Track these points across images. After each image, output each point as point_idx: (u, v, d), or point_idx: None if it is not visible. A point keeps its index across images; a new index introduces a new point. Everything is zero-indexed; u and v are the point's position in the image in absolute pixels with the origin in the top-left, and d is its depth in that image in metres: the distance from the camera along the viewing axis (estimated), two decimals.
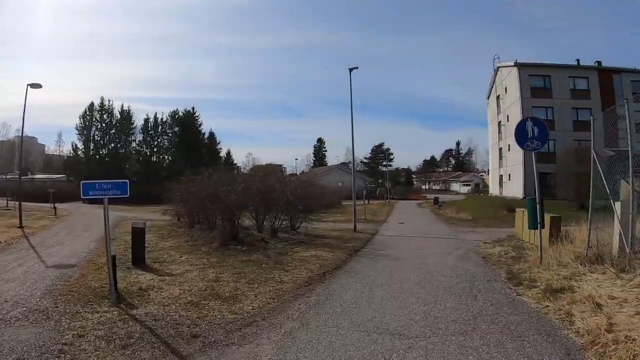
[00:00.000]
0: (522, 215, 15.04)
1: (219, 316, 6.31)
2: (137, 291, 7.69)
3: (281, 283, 8.56)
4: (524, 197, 37.15)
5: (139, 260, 10.24)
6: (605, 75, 41.09)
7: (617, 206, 8.78)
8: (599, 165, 9.25)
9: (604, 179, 8.93)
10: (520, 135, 10.16)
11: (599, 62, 42.22)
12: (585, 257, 9.03)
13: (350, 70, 21.10)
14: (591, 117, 10.37)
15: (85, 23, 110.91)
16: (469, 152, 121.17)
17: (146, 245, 11.45)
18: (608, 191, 8.90)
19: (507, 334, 5.32)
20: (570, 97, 40.48)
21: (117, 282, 7.41)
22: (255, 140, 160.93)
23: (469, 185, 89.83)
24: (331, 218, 24.39)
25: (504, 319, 6.01)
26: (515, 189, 40.76)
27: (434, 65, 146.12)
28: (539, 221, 9.80)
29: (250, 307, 6.79)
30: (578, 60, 41.45)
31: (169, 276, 9.09)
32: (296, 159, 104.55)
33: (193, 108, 62.13)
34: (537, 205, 9.90)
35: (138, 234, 10.57)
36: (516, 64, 40.42)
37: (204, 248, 12.82)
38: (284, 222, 16.05)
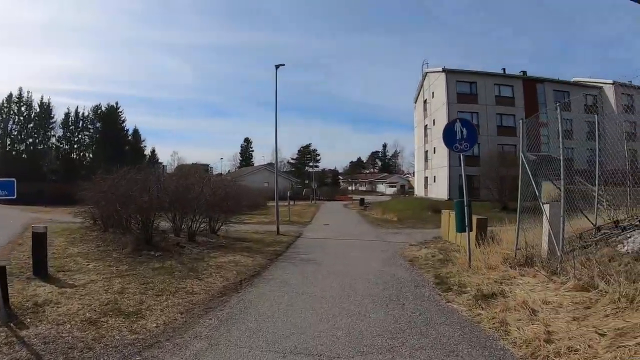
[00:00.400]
0: (447, 217, 14.95)
1: (117, 337, 5.35)
2: (32, 307, 6.48)
3: (192, 294, 7.64)
4: (449, 199, 38.21)
5: (40, 269, 8.77)
6: (529, 84, 43.62)
7: (547, 208, 8.74)
8: (527, 168, 9.25)
9: (532, 181, 9.04)
10: (449, 136, 9.84)
11: (524, 72, 44.82)
12: (514, 259, 8.88)
13: (277, 67, 20.27)
14: (520, 121, 10.29)
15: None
16: (395, 154, 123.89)
17: (54, 251, 10.61)
18: (538, 193, 9.04)
19: (439, 349, 4.85)
20: (495, 103, 42.28)
21: (11, 296, 6.37)
22: (183, 139, 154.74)
23: (395, 186, 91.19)
24: (255, 220, 23.66)
25: (435, 330, 5.54)
26: (440, 190, 41.82)
27: (363, 67, 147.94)
28: (466, 224, 9.46)
29: (155, 325, 5.89)
30: (504, 69, 43.57)
31: (71, 288, 7.84)
32: (221, 159, 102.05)
33: (117, 103, 58.22)
34: (465, 207, 9.52)
35: (38, 240, 9.06)
36: (444, 70, 41.55)
37: (115, 254, 11.46)
38: (202, 225, 14.94)
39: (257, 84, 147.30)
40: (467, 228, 9.53)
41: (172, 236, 13.88)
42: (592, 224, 10.42)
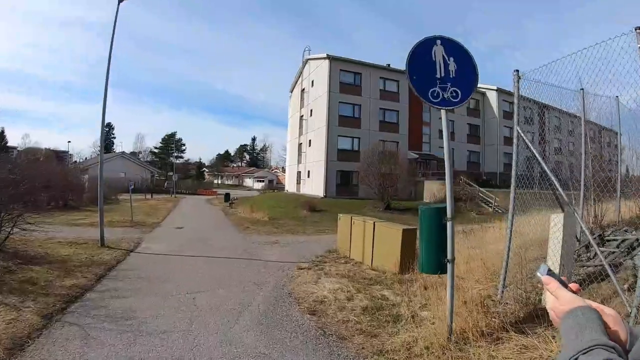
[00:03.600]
0: (349, 224, 10.42)
1: None
2: None
3: None
4: (325, 196, 34.27)
5: None
6: None
7: (558, 219, 5.38)
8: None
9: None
10: (421, 72, 4.75)
11: None
12: (503, 306, 5.38)
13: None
14: (515, 73, 5.43)
15: None
16: (264, 149, 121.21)
17: None
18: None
19: None
20: (380, 97, 39.68)
21: None
22: (42, 122, 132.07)
23: (263, 181, 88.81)
24: (90, 219, 17.21)
25: None
26: (315, 186, 37.79)
27: (233, 60, 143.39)
28: (448, 257, 4.56)
29: None
30: (389, 64, 40.64)
31: None
32: (69, 142, 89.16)
33: None
34: (447, 223, 4.59)
35: None
36: (328, 57, 37.34)
37: None
38: None
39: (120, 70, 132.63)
40: (448, 264, 4.58)
41: None
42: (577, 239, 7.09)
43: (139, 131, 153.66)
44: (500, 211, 31.95)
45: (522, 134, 5.70)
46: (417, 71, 4.70)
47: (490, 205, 32.79)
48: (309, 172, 40.75)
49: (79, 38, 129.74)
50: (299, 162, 44.70)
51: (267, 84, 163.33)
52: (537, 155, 5.32)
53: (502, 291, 5.79)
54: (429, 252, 5.88)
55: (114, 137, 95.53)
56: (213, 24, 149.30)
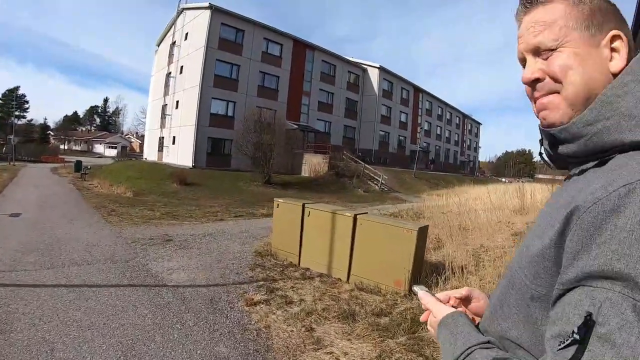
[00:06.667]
0: (299, 213, 6.97)
1: None
2: None
3: None
4: (194, 166, 29.81)
5: None
6: (300, 47, 39.24)
7: None
8: None
9: None
10: None
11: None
12: None
13: None
14: None
15: None
16: (117, 112, 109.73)
17: None
18: None
19: None
20: (261, 59, 35.78)
21: None
22: None
23: (115, 147, 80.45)
24: None
25: None
26: (182, 155, 32.71)
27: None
28: None
29: None
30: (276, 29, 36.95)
31: None
32: None
33: None
34: None
35: None
36: (211, 6, 31.80)
37: None
38: None
39: None
40: None
41: None
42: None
43: None
44: (386, 189, 30.91)
45: None
46: None
47: (377, 183, 31.39)
48: (174, 138, 35.32)
49: None
50: (162, 126, 38.78)
51: (117, 40, 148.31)
52: None
53: None
54: None
55: None
56: None
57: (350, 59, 46.09)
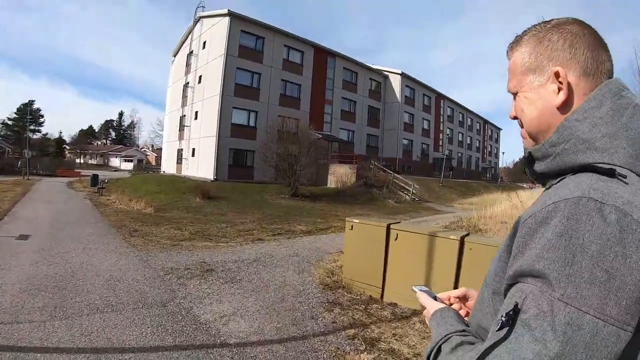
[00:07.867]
0: (383, 235, 5.48)
1: None
2: None
3: None
4: (215, 179, 28.46)
5: None
6: (321, 54, 38.00)
7: None
8: None
9: None
10: None
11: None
12: None
13: None
14: None
15: None
16: (132, 125, 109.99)
17: None
18: None
19: None
20: (282, 67, 34.51)
21: None
22: None
23: (132, 161, 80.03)
24: None
25: None
26: (202, 167, 31.40)
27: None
28: None
29: None
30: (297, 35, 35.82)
31: None
32: None
33: None
34: None
35: None
36: (230, 13, 30.70)
37: None
38: None
39: None
40: None
41: None
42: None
43: None
44: (416, 199, 29.21)
45: None
46: None
47: (407, 193, 29.65)
48: (193, 149, 34.08)
49: None
50: (180, 137, 37.60)
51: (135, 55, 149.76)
52: None
53: None
54: None
55: None
56: None
57: (372, 65, 44.50)
